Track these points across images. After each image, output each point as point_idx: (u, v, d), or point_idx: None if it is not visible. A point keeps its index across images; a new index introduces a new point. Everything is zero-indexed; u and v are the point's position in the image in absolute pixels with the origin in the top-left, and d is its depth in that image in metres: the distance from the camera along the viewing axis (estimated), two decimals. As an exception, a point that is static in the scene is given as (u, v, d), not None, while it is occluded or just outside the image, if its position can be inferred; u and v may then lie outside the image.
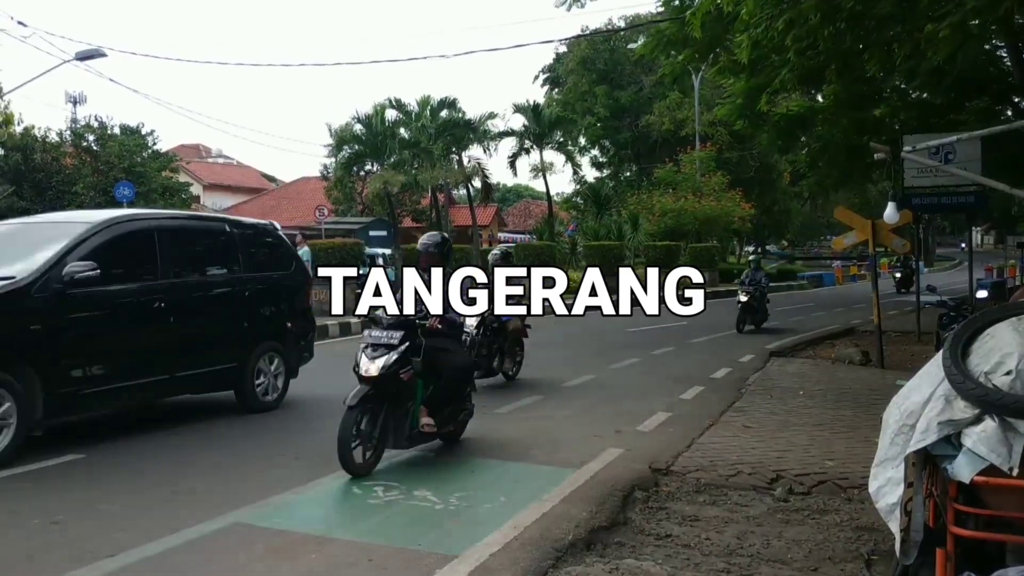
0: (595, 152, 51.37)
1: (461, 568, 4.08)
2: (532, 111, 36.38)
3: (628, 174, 49.87)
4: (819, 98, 18.41)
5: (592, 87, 44.58)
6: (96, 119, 33.64)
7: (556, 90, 50.42)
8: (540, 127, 36.35)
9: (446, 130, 33.02)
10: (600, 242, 30.57)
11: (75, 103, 38.47)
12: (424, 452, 6.60)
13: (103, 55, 21.45)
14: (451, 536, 4.60)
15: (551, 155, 40.45)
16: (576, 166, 43.82)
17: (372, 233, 35.02)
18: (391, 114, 34.45)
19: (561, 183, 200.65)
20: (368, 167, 37.65)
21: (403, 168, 33.37)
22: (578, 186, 49.40)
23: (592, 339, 15.62)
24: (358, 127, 34.62)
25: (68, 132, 34.63)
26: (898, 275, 32.38)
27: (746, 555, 4.44)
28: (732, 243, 45.93)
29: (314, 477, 5.73)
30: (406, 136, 33.71)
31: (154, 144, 34.49)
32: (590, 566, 4.19)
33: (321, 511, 5.07)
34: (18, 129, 32.10)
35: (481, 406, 8.50)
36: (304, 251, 17.79)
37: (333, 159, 39.27)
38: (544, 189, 42.54)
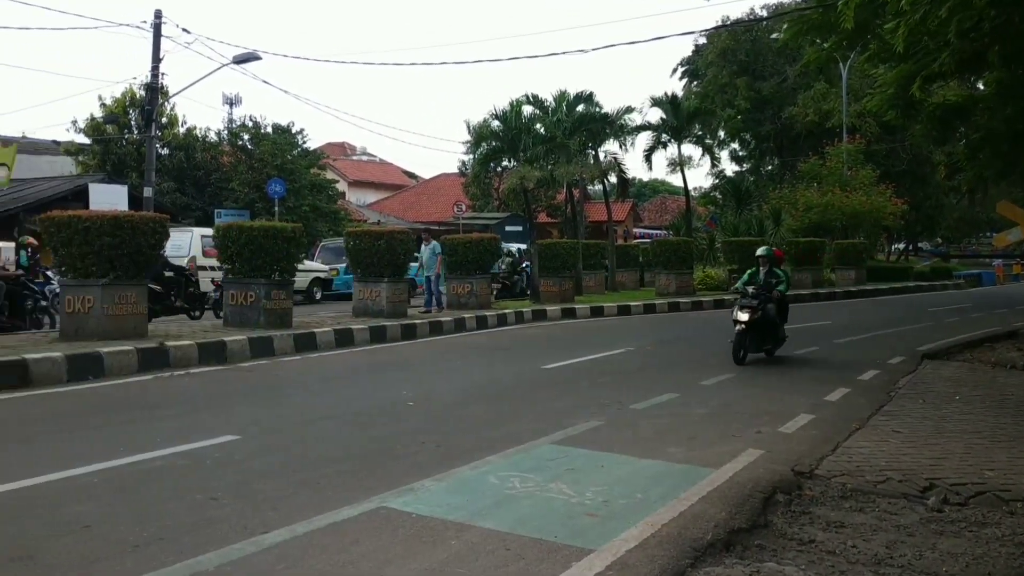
0: (735, 145, 50.09)
1: (598, 562, 4.08)
2: (670, 104, 35.79)
3: (770, 168, 48.37)
4: (979, 85, 17.26)
5: (732, 79, 43.46)
6: (250, 119, 35.51)
7: (695, 83, 49.40)
8: (678, 120, 35.72)
9: (582, 125, 32.91)
10: (739, 238, 29.78)
11: (231, 104, 40.65)
12: (562, 446, 6.63)
13: (258, 58, 22.53)
14: (587, 530, 4.60)
15: (689, 149, 39.90)
16: (715, 160, 42.86)
17: (508, 228, 35.40)
18: (527, 110, 34.67)
19: (698, 177, 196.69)
20: (504, 163, 38.05)
21: (539, 163, 33.53)
22: (717, 180, 48.32)
23: (728, 336, 15.25)
24: (495, 123, 35.03)
25: (225, 132, 36.68)
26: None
27: (896, 565, 4.24)
28: (880, 240, 43.82)
29: (453, 466, 5.86)
30: (542, 131, 33.83)
31: (303, 142, 36.01)
32: (729, 568, 4.10)
33: (460, 499, 5.18)
34: (181, 130, 34.24)
35: (617, 402, 8.50)
36: (433, 245, 18.31)
37: (471, 155, 39.93)
38: (681, 183, 41.80)
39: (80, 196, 25.61)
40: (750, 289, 11.91)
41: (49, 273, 14.93)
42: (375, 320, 15.34)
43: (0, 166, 23.28)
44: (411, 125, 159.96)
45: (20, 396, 8.57)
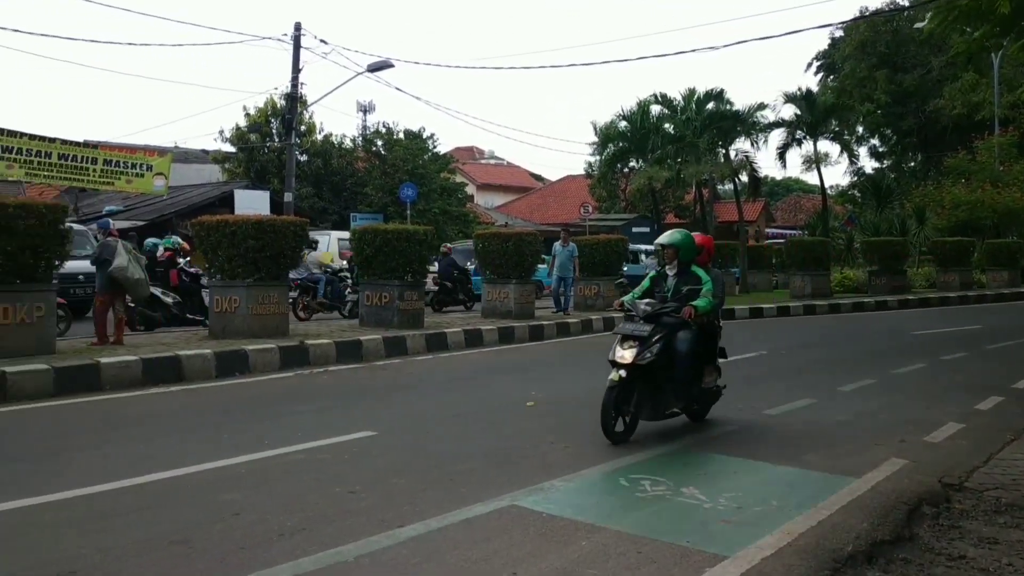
0: (874, 141, 47.98)
1: (732, 569, 3.99)
2: (804, 99, 34.58)
3: (912, 164, 46.09)
4: None
5: (872, 72, 41.64)
6: (383, 125, 36.59)
7: (831, 77, 47.58)
8: (813, 116, 34.46)
9: (712, 123, 32.25)
10: (880, 238, 28.47)
11: (365, 111, 41.99)
12: (693, 450, 6.53)
13: (391, 66, 23.22)
14: (720, 536, 4.51)
15: (825, 145, 38.42)
16: (853, 157, 41.06)
17: (635, 229, 35.10)
18: (655, 109, 34.25)
19: (835, 175, 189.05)
20: (632, 163, 37.76)
21: (667, 163, 33.09)
22: (855, 178, 46.35)
23: (870, 341, 14.62)
24: (622, 124, 34.78)
25: (359, 138, 37.92)
26: None
27: (1058, 587, 3.96)
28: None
29: (583, 466, 5.87)
30: (670, 131, 33.35)
31: (434, 147, 36.82)
32: (872, 581, 3.94)
33: (590, 500, 5.17)
34: (319, 137, 35.63)
35: (750, 407, 8.29)
36: (571, 247, 18.28)
37: (597, 157, 39.79)
38: (817, 181, 40.31)
39: (226, 201, 27.09)
40: (642, 304, 6.95)
41: (195, 272, 15.82)
42: (503, 321, 15.53)
43: (158, 175, 24.83)
44: (538, 128, 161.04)
45: (175, 390, 9.14)
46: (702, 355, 7.07)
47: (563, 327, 15.95)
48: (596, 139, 37.81)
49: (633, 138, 34.27)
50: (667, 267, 7.29)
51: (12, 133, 21.98)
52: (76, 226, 15.17)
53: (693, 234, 7.43)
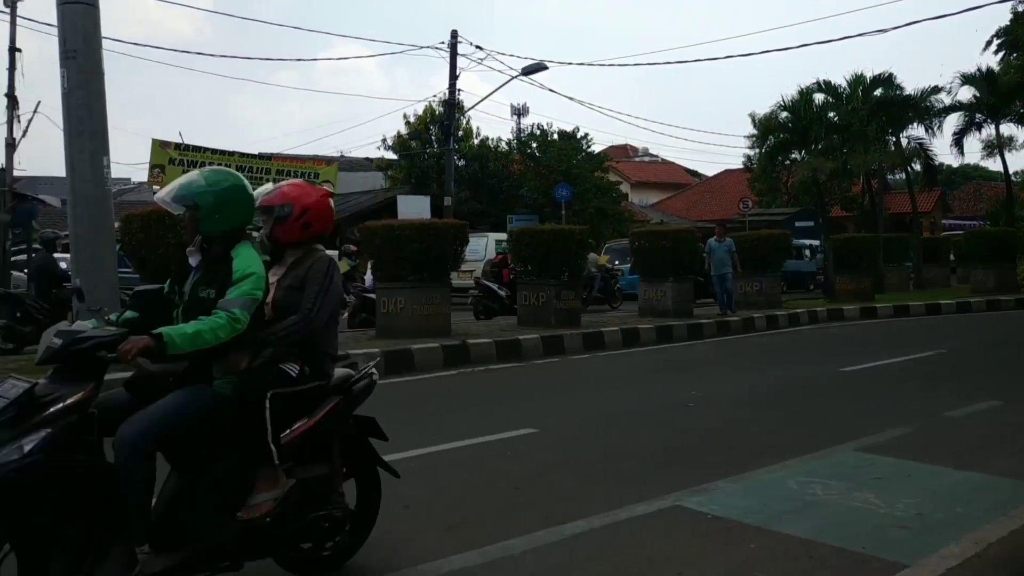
0: (1070, 122, 43.95)
1: (914, 578, 3.80)
2: (984, 80, 32.21)
3: (1112, 145, 41.92)
4: None
5: (1065, 45, 38.18)
6: (538, 128, 36.89)
7: (1014, 55, 44.03)
8: (994, 97, 32.05)
9: (880, 109, 30.52)
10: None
11: (519, 114, 42.44)
12: (866, 455, 6.24)
13: (544, 68, 23.43)
14: (899, 543, 4.29)
15: (1009, 129, 35.50)
16: (1041, 139, 37.87)
17: (798, 224, 33.76)
18: (819, 97, 32.76)
19: (1020, 160, 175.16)
20: (793, 155, 36.35)
21: (832, 154, 31.63)
22: (1044, 162, 42.70)
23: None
24: (783, 114, 33.49)
25: (514, 141, 38.44)
26: None
27: None
28: None
29: (747, 468, 5.73)
30: (835, 119, 31.85)
31: (587, 147, 36.80)
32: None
33: (757, 502, 5.05)
34: (476, 142, 36.40)
35: (927, 408, 7.83)
36: (728, 243, 17.80)
37: (756, 150, 38.54)
38: (999, 168, 37.45)
39: (390, 207, 28.14)
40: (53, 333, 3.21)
41: (367, 277, 16.60)
42: (660, 320, 15.35)
43: (326, 183, 26.12)
44: (693, 123, 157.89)
45: (346, 387, 9.59)
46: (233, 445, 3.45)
47: (723, 326, 15.58)
48: (755, 131, 36.65)
49: (795, 129, 32.91)
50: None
51: (197, 148, 23.75)
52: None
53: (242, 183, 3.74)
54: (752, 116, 38.63)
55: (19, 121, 19.01)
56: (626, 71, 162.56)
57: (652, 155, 63.29)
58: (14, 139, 18.93)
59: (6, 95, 18.87)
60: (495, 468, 5.89)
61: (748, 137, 40.63)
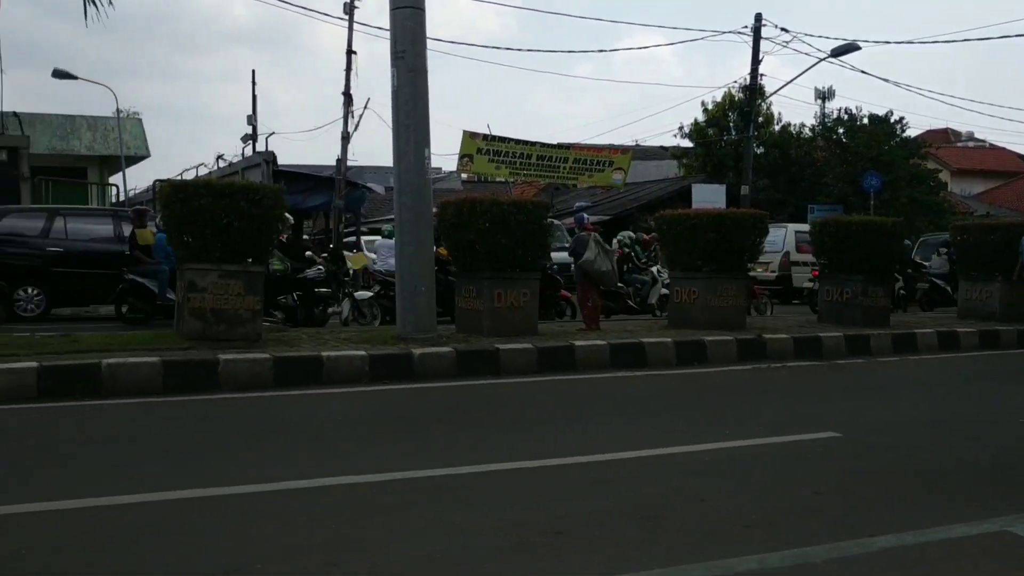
0: None
1: None
2: None
3: None
4: None
5: None
6: (845, 112, 34.74)
7: None
8: None
9: None
10: None
11: (823, 98, 40.13)
12: None
13: (856, 48, 22.01)
14: None
15: None
16: None
17: None
18: None
19: None
20: None
21: None
22: None
23: None
24: None
25: (818, 126, 36.48)
26: None
27: None
28: None
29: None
30: None
31: (902, 132, 34.09)
32: None
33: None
34: (776, 128, 35.04)
35: None
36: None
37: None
38: None
39: (684, 196, 27.95)
40: None
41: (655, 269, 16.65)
42: (985, 324, 13.86)
43: (617, 170, 26.50)
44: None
45: (638, 375, 9.70)
46: None
47: (1063, 334, 13.74)
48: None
49: None
50: None
51: (502, 139, 25.14)
52: (554, 221, 16.83)
53: None
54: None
55: (352, 116, 21.19)
56: (949, 48, 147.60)
57: (978, 140, 57.01)
58: (348, 133, 21.14)
59: (343, 93, 21.11)
60: (793, 470, 5.66)
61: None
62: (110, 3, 9.34)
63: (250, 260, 9.45)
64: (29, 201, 19.60)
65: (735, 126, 33.00)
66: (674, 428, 6.94)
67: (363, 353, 8.85)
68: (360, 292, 13.69)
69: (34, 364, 7.55)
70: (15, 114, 26.59)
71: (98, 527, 4.24)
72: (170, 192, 9.56)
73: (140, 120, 33.89)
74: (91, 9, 9.27)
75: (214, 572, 3.67)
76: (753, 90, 25.55)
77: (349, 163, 22.30)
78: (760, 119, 32.16)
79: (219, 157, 30.69)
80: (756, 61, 24.88)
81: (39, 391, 7.39)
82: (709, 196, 26.85)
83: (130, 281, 12.82)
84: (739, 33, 24.92)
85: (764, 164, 33.37)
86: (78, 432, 6.52)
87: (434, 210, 11.06)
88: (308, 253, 13.54)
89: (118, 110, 28.99)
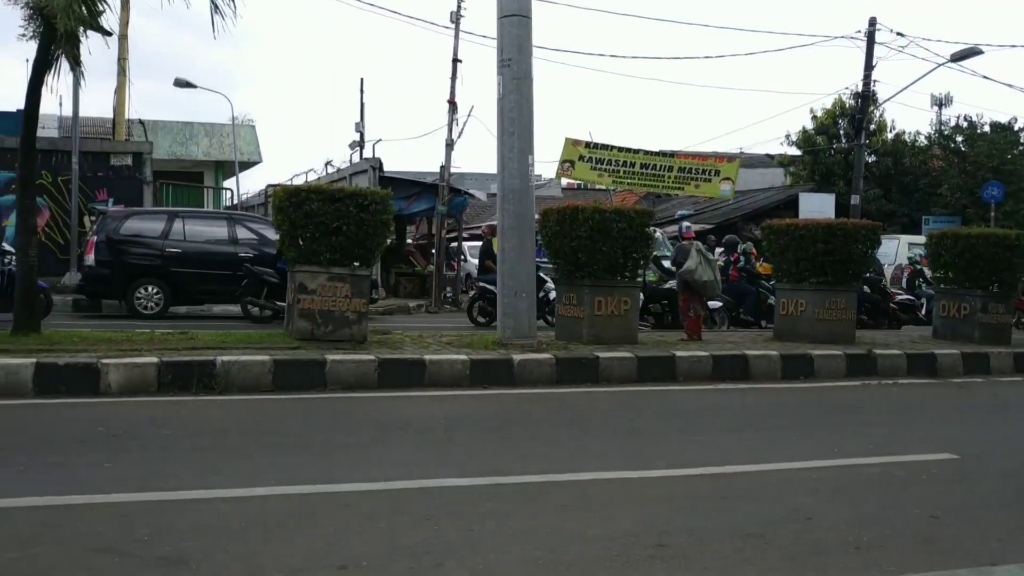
0: None
1: None
2: None
3: None
4: None
5: None
6: (964, 119, 33.26)
7: None
8: None
9: None
10: None
11: (940, 105, 38.59)
12: None
13: (979, 53, 21.05)
14: None
15: None
16: None
17: None
18: None
19: None
20: None
21: None
22: None
23: None
24: None
25: (935, 134, 35.03)
26: None
27: None
28: None
29: None
30: None
31: (1027, 140, 32.41)
32: None
33: None
34: (889, 136, 33.81)
35: None
36: None
37: None
38: None
39: (790, 205, 27.25)
40: None
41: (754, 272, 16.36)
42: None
43: (725, 180, 26.00)
44: None
45: (742, 388, 9.49)
46: None
47: None
48: None
49: None
50: None
51: (604, 146, 24.98)
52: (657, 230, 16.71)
53: None
54: None
55: (456, 124, 21.47)
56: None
57: (1111, 149, 53.67)
58: (452, 140, 21.44)
59: (448, 101, 21.41)
60: (908, 492, 5.43)
61: None
62: (234, 12, 9.65)
63: (356, 264, 9.69)
64: (151, 204, 20.62)
65: (845, 134, 32.00)
66: (780, 443, 6.77)
67: (464, 357, 8.95)
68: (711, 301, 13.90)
69: (154, 359, 7.92)
70: (140, 121, 28.06)
71: (214, 518, 4.42)
72: (283, 196, 9.88)
73: (254, 127, 35.23)
74: (217, 19, 9.62)
75: (325, 567, 3.78)
76: (865, 97, 24.70)
77: (453, 170, 22.61)
78: (872, 126, 31.09)
79: (328, 163, 31.56)
80: (869, 67, 24.06)
81: (159, 385, 7.76)
82: (817, 206, 26.09)
83: (265, 280, 14.26)
84: (852, 39, 24.18)
85: (875, 173, 32.24)
86: (202, 424, 6.82)
87: (536, 217, 11.10)
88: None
89: (233, 117, 30.12)
